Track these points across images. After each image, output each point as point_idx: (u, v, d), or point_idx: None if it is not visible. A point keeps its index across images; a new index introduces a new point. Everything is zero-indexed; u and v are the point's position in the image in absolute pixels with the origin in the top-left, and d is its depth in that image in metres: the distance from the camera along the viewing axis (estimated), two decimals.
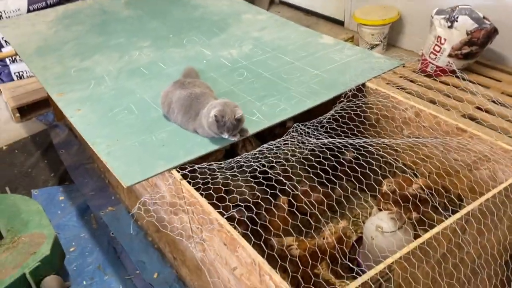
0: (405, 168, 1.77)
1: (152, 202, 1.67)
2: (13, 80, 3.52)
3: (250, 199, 1.60)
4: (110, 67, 2.21)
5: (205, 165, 1.49)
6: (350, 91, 1.86)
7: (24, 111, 3.27)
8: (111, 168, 1.52)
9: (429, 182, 1.72)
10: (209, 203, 1.33)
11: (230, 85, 2.00)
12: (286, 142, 1.60)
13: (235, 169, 1.49)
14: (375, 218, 1.73)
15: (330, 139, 1.53)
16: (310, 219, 1.87)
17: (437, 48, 2.98)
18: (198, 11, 2.85)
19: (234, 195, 1.64)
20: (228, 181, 1.50)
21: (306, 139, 1.57)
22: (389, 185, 1.70)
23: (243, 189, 1.65)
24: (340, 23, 4.37)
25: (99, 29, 2.66)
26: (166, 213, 1.66)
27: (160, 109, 1.81)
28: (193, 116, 1.66)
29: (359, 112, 1.74)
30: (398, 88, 2.92)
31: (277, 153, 1.55)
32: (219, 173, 1.46)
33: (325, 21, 4.53)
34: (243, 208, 1.52)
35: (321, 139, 1.61)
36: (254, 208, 1.49)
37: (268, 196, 1.52)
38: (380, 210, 1.82)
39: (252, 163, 1.47)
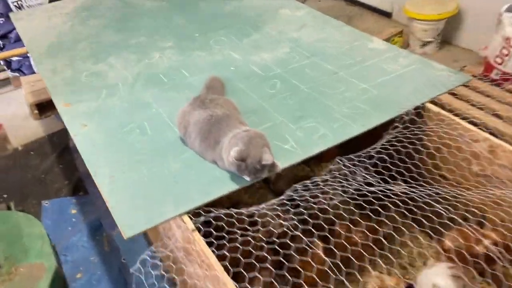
0: (468, 215, 1.42)
1: (165, 237, 1.40)
2: (34, 72, 3.34)
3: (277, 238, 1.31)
4: (126, 72, 1.94)
5: (222, 214, 1.20)
6: (407, 114, 1.52)
7: (43, 107, 3.07)
8: (113, 210, 1.26)
9: (504, 232, 1.38)
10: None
11: (260, 100, 1.69)
12: (325, 182, 1.29)
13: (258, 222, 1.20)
14: (431, 272, 1.40)
15: (381, 186, 1.21)
16: (349, 262, 1.56)
17: (505, 51, 2.55)
18: (231, 4, 2.53)
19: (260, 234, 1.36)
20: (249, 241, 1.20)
21: (350, 182, 1.25)
22: (454, 241, 1.37)
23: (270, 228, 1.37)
24: (387, 15, 3.95)
25: (118, 24, 2.40)
26: (181, 259, 1.39)
27: (177, 129, 1.53)
28: (212, 144, 1.37)
29: (417, 145, 1.40)
30: (454, 97, 2.53)
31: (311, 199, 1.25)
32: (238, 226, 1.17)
33: (370, 12, 4.11)
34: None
35: (369, 180, 1.29)
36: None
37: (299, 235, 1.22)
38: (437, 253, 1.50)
39: (279, 219, 1.17)
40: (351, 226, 1.32)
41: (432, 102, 1.59)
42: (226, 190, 1.29)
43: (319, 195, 1.22)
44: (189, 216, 1.21)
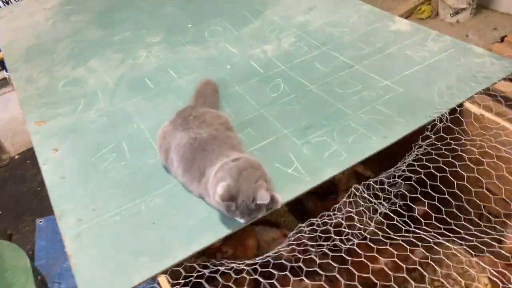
0: None
1: None
2: None
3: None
4: (107, 77, 1.69)
5: (207, 272, 0.95)
6: (441, 120, 1.21)
7: None
8: (75, 269, 1.03)
9: None
10: None
11: (260, 107, 1.41)
12: (337, 228, 1.02)
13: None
14: None
15: (410, 232, 0.92)
16: None
17: None
18: None
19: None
20: None
21: (368, 226, 0.97)
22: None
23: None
24: None
25: (103, 18, 2.13)
26: None
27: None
28: (197, 176, 1.11)
29: (455, 166, 1.10)
30: None
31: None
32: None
33: None
34: None
35: (394, 221, 1.01)
36: None
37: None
38: None
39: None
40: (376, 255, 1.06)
41: (475, 97, 1.27)
42: (215, 237, 1.03)
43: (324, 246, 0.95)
44: (166, 278, 0.97)
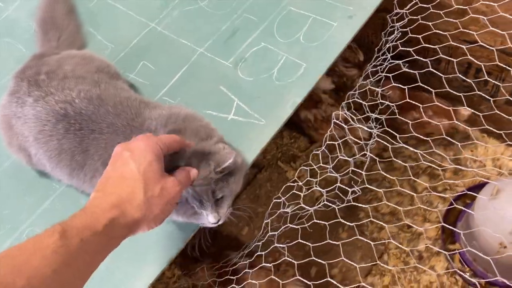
0: None
1: None
2: None
3: None
4: None
5: None
6: None
7: None
8: None
9: None
10: None
11: (147, 19, 0.91)
12: None
13: None
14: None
15: None
16: None
17: None
18: None
19: None
20: None
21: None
22: None
23: None
24: None
25: None
26: None
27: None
28: (89, 178, 0.65)
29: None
30: None
31: None
32: None
33: None
34: None
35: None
36: None
37: None
38: None
39: None
40: None
41: None
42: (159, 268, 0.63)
43: None
44: None
